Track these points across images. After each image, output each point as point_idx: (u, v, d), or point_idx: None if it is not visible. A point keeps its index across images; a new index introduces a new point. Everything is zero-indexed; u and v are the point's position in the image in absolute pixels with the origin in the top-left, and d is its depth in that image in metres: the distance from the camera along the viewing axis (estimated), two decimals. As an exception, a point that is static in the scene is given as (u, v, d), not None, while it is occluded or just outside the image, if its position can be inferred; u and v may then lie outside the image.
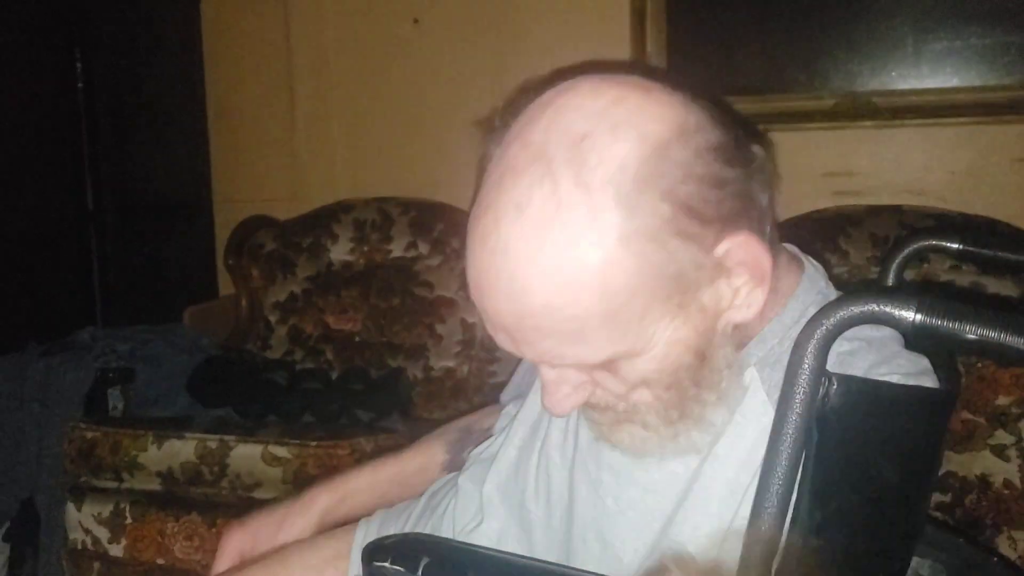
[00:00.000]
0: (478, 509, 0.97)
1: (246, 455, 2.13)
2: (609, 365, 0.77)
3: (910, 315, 0.64)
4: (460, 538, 0.96)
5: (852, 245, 2.31)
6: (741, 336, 0.81)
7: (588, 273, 0.71)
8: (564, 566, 0.72)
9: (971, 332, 0.62)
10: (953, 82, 2.58)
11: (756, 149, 0.79)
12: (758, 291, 0.77)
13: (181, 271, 3.04)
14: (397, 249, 2.77)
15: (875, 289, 0.66)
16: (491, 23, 2.87)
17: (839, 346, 0.78)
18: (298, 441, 2.11)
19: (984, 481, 1.76)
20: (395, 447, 2.16)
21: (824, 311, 0.67)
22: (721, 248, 0.74)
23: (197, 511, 2.18)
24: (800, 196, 2.57)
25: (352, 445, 2.08)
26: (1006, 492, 1.73)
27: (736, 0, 2.79)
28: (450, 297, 2.67)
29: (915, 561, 1.65)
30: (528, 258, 0.72)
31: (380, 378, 2.50)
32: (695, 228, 0.72)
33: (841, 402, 0.67)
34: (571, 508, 0.92)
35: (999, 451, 1.79)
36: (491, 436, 1.04)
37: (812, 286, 0.86)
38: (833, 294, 0.85)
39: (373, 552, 0.73)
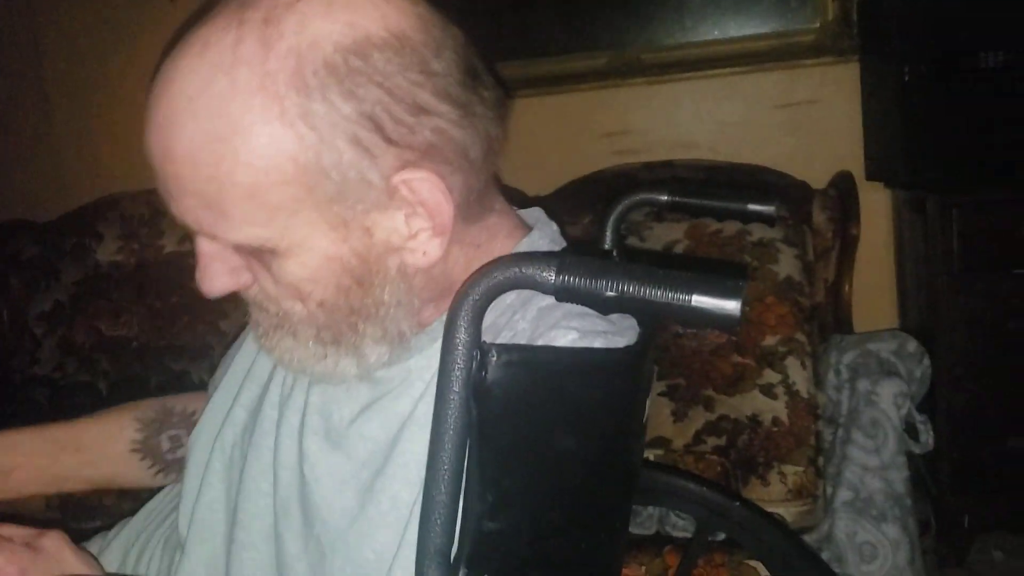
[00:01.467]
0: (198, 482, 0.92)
1: None
2: (257, 255, 0.72)
3: (551, 276, 0.60)
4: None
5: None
6: (437, 287, 0.78)
7: (239, 137, 0.66)
8: None
9: (609, 289, 0.59)
10: (715, 35, 2.64)
11: (487, 97, 0.74)
12: (436, 241, 0.73)
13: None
14: (170, 243, 2.61)
15: (519, 254, 0.61)
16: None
17: (541, 300, 0.75)
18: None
19: (755, 421, 1.81)
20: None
21: (472, 280, 0.62)
22: (399, 177, 0.69)
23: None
24: (582, 158, 2.58)
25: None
26: (775, 430, 1.79)
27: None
28: (233, 290, 2.54)
29: (660, 512, 1.68)
30: (186, 96, 0.67)
31: (160, 385, 2.35)
32: (373, 141, 0.67)
33: (501, 374, 0.63)
34: (277, 476, 0.86)
35: (767, 390, 1.85)
36: (196, 422, 0.96)
37: (530, 247, 0.83)
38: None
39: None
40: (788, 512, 1.72)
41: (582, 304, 0.60)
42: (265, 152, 0.66)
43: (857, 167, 2.48)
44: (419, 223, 0.72)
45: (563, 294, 0.60)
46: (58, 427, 1.05)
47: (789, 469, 1.74)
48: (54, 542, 0.83)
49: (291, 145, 0.66)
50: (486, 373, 0.63)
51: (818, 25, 2.54)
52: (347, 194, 0.69)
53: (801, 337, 1.94)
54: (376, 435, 0.79)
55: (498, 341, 0.73)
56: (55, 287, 2.59)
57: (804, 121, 2.57)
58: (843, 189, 2.35)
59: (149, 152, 0.71)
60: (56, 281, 2.60)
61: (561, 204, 2.33)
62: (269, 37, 0.66)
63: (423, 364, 0.79)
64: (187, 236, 2.58)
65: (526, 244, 0.82)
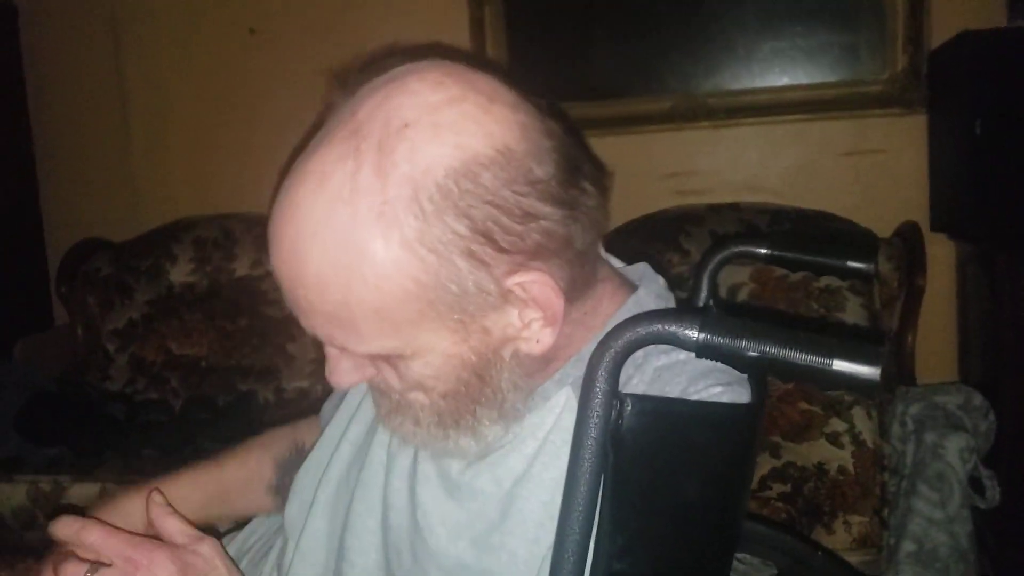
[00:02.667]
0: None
1: (83, 496, 2.02)
2: (385, 359, 0.77)
3: (694, 334, 0.64)
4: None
5: (693, 243, 2.36)
6: (545, 361, 0.81)
7: (366, 264, 0.70)
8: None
9: (752, 349, 0.62)
10: (783, 81, 2.67)
11: (589, 188, 0.77)
12: (547, 330, 0.77)
13: (10, 301, 2.86)
14: (242, 268, 2.68)
15: (661, 311, 0.65)
16: (329, 29, 2.82)
17: (656, 360, 0.78)
18: (139, 479, 2.00)
19: (821, 469, 1.83)
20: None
21: (613, 333, 0.66)
22: (512, 280, 0.73)
23: (34, 557, 2.04)
24: (643, 198, 2.61)
25: (195, 477, 1.99)
26: (841, 478, 1.80)
27: (572, 8, 2.81)
28: (300, 314, 2.60)
29: (747, 560, 1.70)
30: (312, 230, 0.71)
31: (227, 405, 2.41)
32: (488, 254, 0.71)
33: (635, 423, 0.66)
34: (386, 516, 0.89)
35: (833, 439, 1.86)
36: None
37: (636, 308, 0.86)
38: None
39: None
40: (852, 561, 1.72)
41: (723, 361, 0.64)
42: (390, 275, 0.70)
43: (922, 218, 2.50)
44: (531, 314, 0.76)
45: (704, 351, 0.63)
46: (206, 473, 1.10)
47: (854, 519, 1.75)
48: (210, 549, 0.89)
49: (413, 267, 0.70)
50: (622, 421, 0.66)
51: (887, 76, 2.57)
52: (466, 302, 0.73)
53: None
54: (487, 488, 0.83)
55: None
56: (129, 305, 2.67)
57: (870, 170, 2.59)
58: (909, 239, 2.36)
59: (278, 276, 0.75)
60: (130, 300, 2.67)
61: (622, 241, 2.37)
62: (384, 166, 0.69)
63: (536, 422, 0.82)
64: (258, 261, 2.63)
65: (631, 304, 0.85)
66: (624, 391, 0.77)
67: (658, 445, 0.68)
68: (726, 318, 0.63)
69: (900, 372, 2.26)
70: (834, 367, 0.60)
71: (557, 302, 0.75)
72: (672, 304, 0.88)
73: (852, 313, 2.10)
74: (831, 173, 2.62)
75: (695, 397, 0.74)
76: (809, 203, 2.49)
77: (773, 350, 0.62)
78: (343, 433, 0.98)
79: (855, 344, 0.61)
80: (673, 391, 0.76)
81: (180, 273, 2.69)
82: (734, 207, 2.47)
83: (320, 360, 2.50)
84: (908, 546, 1.81)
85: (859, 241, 2.29)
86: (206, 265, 2.68)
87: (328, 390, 1.08)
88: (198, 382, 2.56)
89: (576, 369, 0.81)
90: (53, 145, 3.05)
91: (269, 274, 2.70)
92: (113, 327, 2.66)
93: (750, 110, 2.66)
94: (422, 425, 0.80)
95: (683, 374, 0.76)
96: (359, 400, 0.99)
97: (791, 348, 0.61)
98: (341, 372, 0.80)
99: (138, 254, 2.74)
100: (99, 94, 3.01)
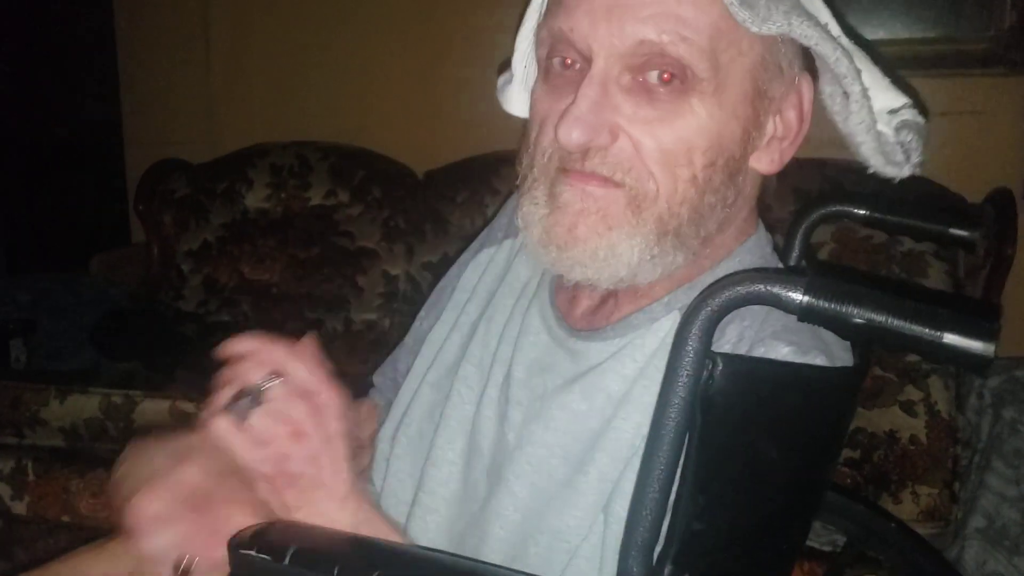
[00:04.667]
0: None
1: (153, 411, 2.06)
2: (676, 98, 0.72)
3: (797, 297, 0.61)
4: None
5: (775, 199, 2.29)
6: (713, 218, 0.79)
7: None
8: (437, 552, 0.68)
9: (858, 316, 0.59)
10: (880, 35, 2.56)
11: None
12: (789, 147, 0.79)
13: (89, 217, 2.92)
14: (316, 197, 2.68)
15: (764, 270, 0.62)
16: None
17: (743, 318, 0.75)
18: (207, 397, 2.04)
19: (892, 437, 1.79)
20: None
21: (709, 291, 0.63)
22: (799, 76, 0.76)
23: (103, 467, 2.11)
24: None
25: (263, 401, 2.02)
26: (912, 448, 1.75)
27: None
28: (372, 248, 2.60)
29: (817, 526, 1.67)
30: None
31: (296, 332, 2.43)
32: (803, 32, 0.73)
33: (725, 383, 0.64)
34: (473, 441, 0.89)
35: (907, 407, 1.81)
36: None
37: (756, 248, 0.84)
38: (772, 263, 0.83)
39: (239, 542, 0.69)
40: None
41: (826, 327, 0.61)
42: None
43: (1016, 184, 2.39)
44: (783, 127, 0.78)
45: (807, 315, 0.61)
46: None
47: (923, 490, 1.71)
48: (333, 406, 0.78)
49: None
50: (712, 381, 0.64)
51: (992, 33, 2.44)
52: (771, 66, 0.74)
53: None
54: (581, 408, 0.82)
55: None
56: (204, 227, 2.70)
57: (965, 132, 2.48)
58: (1000, 206, 2.27)
59: None
60: (205, 222, 2.70)
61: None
62: None
63: (637, 343, 0.80)
64: (332, 191, 2.64)
65: (751, 245, 0.84)
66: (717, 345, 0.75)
67: (749, 408, 0.66)
68: (833, 281, 0.60)
69: (980, 343, 2.19)
70: (945, 340, 0.57)
71: (805, 126, 0.78)
72: (773, 256, 0.85)
73: (935, 279, 2.03)
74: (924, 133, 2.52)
75: (785, 349, 0.71)
76: (898, 162, 2.40)
77: (880, 318, 0.59)
78: (423, 378, 0.98)
79: (968, 318, 0.57)
80: (775, 344, 0.72)
81: (255, 198, 2.70)
82: (820, 163, 2.39)
83: (388, 294, 2.51)
84: (977, 521, 1.76)
85: (958, 207, 2.21)
86: (281, 191, 2.69)
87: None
88: (269, 307, 2.59)
89: (687, 296, 0.79)
90: (136, 66, 3.07)
91: (343, 204, 2.71)
92: (188, 248, 2.70)
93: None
94: (639, 227, 0.74)
95: (781, 335, 0.73)
96: (434, 353, 0.98)
97: (900, 317, 0.58)
98: (584, 121, 0.71)
99: (215, 177, 2.76)
100: (182, 16, 3.02)
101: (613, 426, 0.79)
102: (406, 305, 2.56)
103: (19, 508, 2.15)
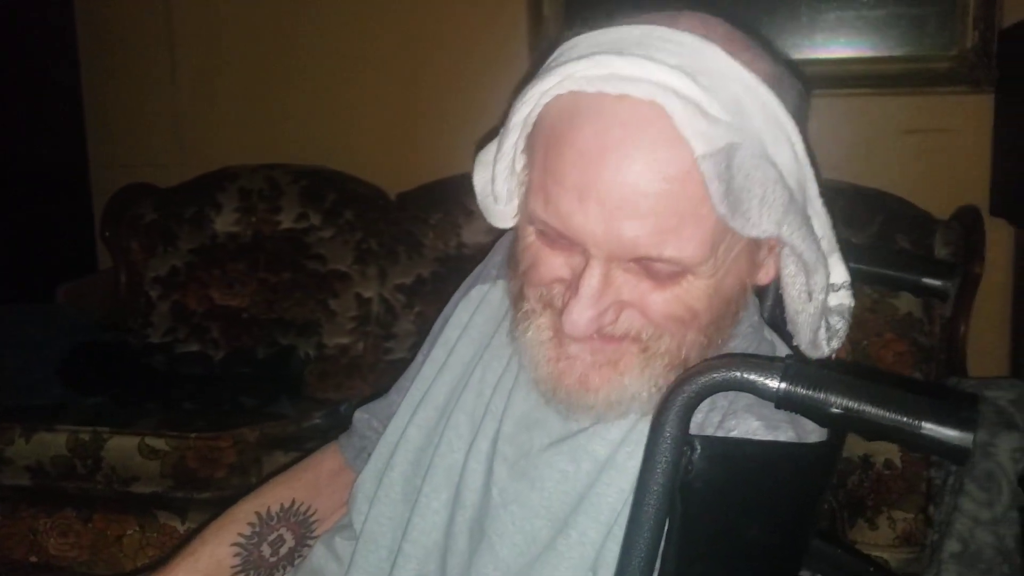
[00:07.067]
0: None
1: (121, 448, 2.03)
2: (675, 276, 0.72)
3: (774, 384, 0.60)
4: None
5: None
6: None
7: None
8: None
9: (835, 405, 0.59)
10: (846, 53, 2.58)
11: None
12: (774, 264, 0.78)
13: (55, 243, 2.87)
14: (287, 220, 2.66)
15: (740, 356, 0.62)
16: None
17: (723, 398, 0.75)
18: (176, 433, 2.02)
19: (867, 461, 1.79)
20: (282, 435, 2.10)
21: (687, 376, 0.63)
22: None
23: (71, 506, 2.08)
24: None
25: (234, 436, 2.00)
26: (887, 472, 1.76)
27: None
28: (344, 271, 2.58)
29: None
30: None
31: (268, 359, 2.41)
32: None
33: (704, 467, 0.64)
34: (459, 494, 0.88)
35: (881, 432, 1.82)
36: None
37: (754, 332, 0.83)
38: (767, 340, 0.83)
39: None
40: (894, 559, 1.70)
41: (804, 415, 0.60)
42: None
43: (981, 201, 2.42)
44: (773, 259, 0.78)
45: (784, 403, 0.60)
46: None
47: (899, 515, 1.72)
48: None
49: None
50: (692, 467, 0.63)
51: (955, 52, 2.47)
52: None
53: (918, 377, 1.91)
54: (567, 469, 0.81)
55: None
56: (172, 253, 2.67)
57: (931, 149, 2.50)
58: (967, 224, 2.29)
59: (613, 184, 0.69)
60: (173, 247, 2.67)
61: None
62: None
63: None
64: (303, 214, 2.61)
65: (744, 327, 0.83)
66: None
67: (728, 491, 0.65)
68: (810, 368, 0.60)
69: (950, 362, 2.20)
70: (923, 431, 0.57)
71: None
72: (760, 324, 0.85)
73: (907, 300, 2.05)
74: (890, 151, 2.54)
75: (753, 424, 0.70)
76: (866, 180, 2.41)
77: (859, 407, 0.58)
78: (410, 419, 0.96)
79: (947, 407, 0.57)
80: (737, 421, 0.72)
81: (225, 223, 2.68)
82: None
83: (361, 317, 2.47)
84: (952, 545, 1.78)
85: (915, 225, 2.22)
86: (251, 215, 2.66)
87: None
88: (239, 333, 2.56)
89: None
90: (101, 89, 3.03)
91: (314, 227, 2.68)
92: (156, 274, 2.66)
93: (811, 81, 2.57)
94: (649, 368, 0.74)
95: (753, 408, 0.73)
96: (422, 392, 0.97)
97: (878, 406, 0.58)
98: (589, 314, 0.71)
99: (183, 201, 2.73)
100: (148, 39, 2.98)
101: (596, 491, 0.79)
102: (379, 328, 2.54)
103: (-15, 548, 2.12)
